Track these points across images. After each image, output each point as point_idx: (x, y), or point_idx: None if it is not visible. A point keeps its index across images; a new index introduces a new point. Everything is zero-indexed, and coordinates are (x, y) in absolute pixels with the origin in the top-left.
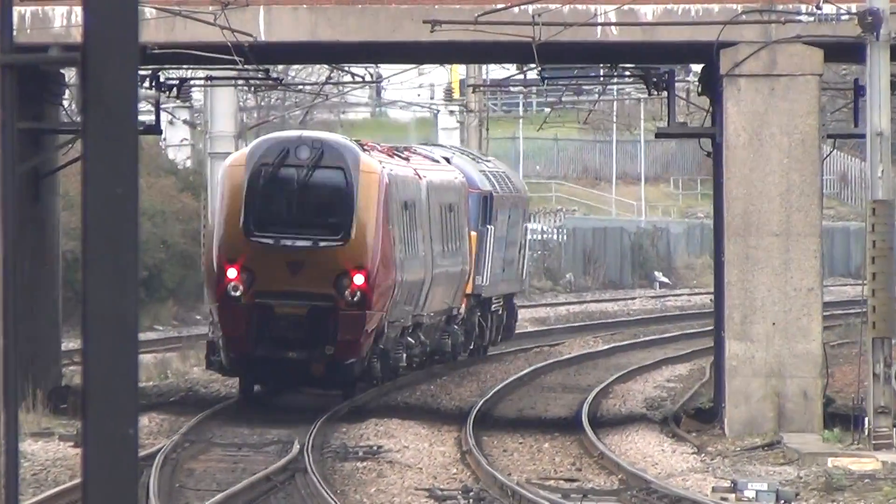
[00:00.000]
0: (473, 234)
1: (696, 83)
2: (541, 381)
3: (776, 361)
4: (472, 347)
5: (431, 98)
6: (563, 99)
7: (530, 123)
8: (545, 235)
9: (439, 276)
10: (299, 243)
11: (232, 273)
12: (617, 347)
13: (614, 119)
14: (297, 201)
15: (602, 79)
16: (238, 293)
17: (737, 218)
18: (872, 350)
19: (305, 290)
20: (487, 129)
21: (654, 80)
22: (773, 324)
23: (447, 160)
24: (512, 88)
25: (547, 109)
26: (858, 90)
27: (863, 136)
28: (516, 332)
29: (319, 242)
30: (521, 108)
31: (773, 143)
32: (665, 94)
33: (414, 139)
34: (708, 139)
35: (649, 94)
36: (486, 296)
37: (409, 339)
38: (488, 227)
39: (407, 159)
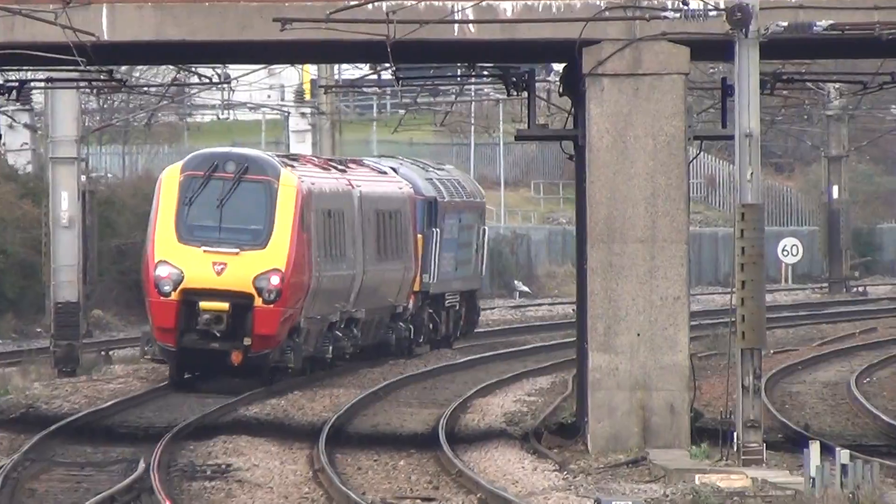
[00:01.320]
0: (420, 236)
1: (558, 83)
2: (396, 395)
3: (641, 373)
4: (422, 340)
5: (282, 100)
6: (419, 100)
7: (385, 126)
8: None
9: (374, 275)
10: (223, 248)
11: (163, 272)
12: (476, 360)
13: (472, 121)
14: (223, 210)
15: (459, 79)
16: (168, 290)
17: (600, 224)
18: (741, 361)
19: (228, 289)
20: (340, 132)
21: (514, 79)
22: (639, 334)
23: (394, 170)
24: (366, 89)
25: (402, 111)
26: (726, 90)
27: (731, 137)
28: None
29: (241, 247)
30: (374, 110)
31: (638, 145)
32: (525, 94)
33: (264, 142)
34: (570, 141)
35: (508, 95)
36: (434, 292)
37: (338, 332)
38: (434, 229)
39: (343, 171)
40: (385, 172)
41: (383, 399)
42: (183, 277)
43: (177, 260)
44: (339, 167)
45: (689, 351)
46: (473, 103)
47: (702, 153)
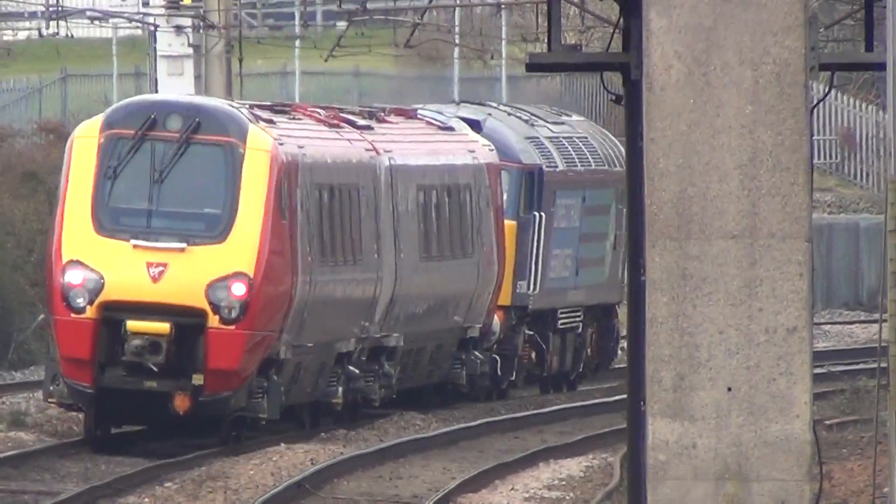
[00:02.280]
0: (509, 223)
1: None
2: (336, 488)
3: (734, 454)
4: (514, 377)
5: (146, 5)
6: (370, 5)
7: (313, 48)
8: None
9: (416, 283)
10: (162, 242)
11: (75, 278)
12: (464, 430)
13: (456, 39)
14: (163, 186)
15: None
16: (82, 304)
17: (666, 208)
18: None
19: (169, 303)
20: (241, 59)
21: None
22: (730, 389)
23: (477, 125)
24: None
25: (341, 24)
26: None
27: (882, 66)
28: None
29: (189, 241)
30: (297, 24)
31: (727, 79)
32: None
33: (116, 74)
34: (617, 74)
35: None
36: (537, 308)
37: (351, 368)
38: (536, 214)
39: (367, 128)
40: (451, 129)
41: (315, 496)
42: (103, 285)
43: (94, 260)
44: (362, 123)
45: (813, 416)
46: (458, 10)
47: (834, 93)
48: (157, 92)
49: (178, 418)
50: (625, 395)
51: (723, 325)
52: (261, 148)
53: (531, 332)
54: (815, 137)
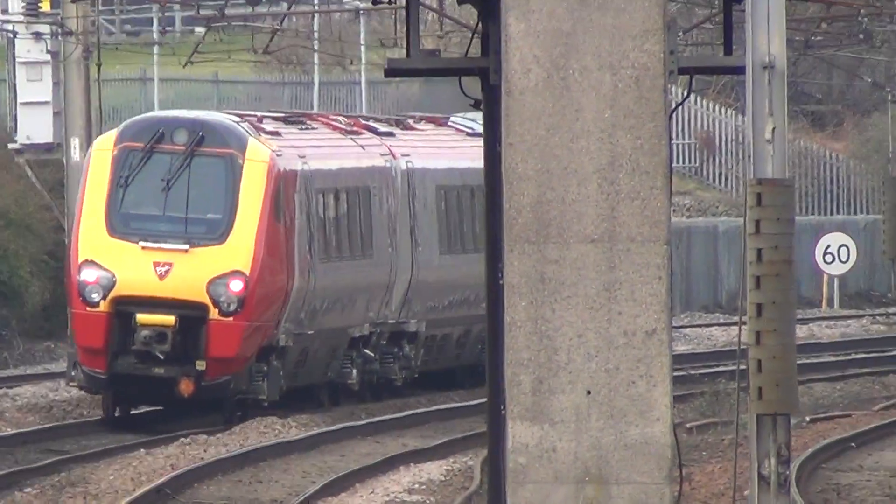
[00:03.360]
0: None
1: None
2: (197, 493)
3: (594, 456)
4: None
5: (4, 11)
6: (228, 11)
7: (172, 55)
8: None
9: (436, 273)
10: (169, 243)
11: (90, 275)
12: (324, 434)
13: (315, 45)
14: (170, 193)
15: None
16: (96, 299)
17: (525, 212)
18: (758, 436)
19: (174, 297)
20: (100, 65)
21: None
22: (589, 392)
23: None
24: None
25: (200, 30)
26: None
27: (741, 70)
28: None
29: (192, 242)
30: (155, 30)
31: (586, 83)
32: (403, 1)
33: None
34: (476, 79)
35: (375, 3)
36: None
37: (368, 352)
38: None
39: (388, 135)
40: (479, 135)
41: (172, 500)
42: (115, 282)
43: (107, 260)
44: (384, 130)
45: (673, 419)
46: (317, 17)
47: (693, 97)
48: (15, 97)
49: (184, 400)
50: (485, 399)
51: (582, 329)
52: (258, 159)
53: None
54: (675, 141)
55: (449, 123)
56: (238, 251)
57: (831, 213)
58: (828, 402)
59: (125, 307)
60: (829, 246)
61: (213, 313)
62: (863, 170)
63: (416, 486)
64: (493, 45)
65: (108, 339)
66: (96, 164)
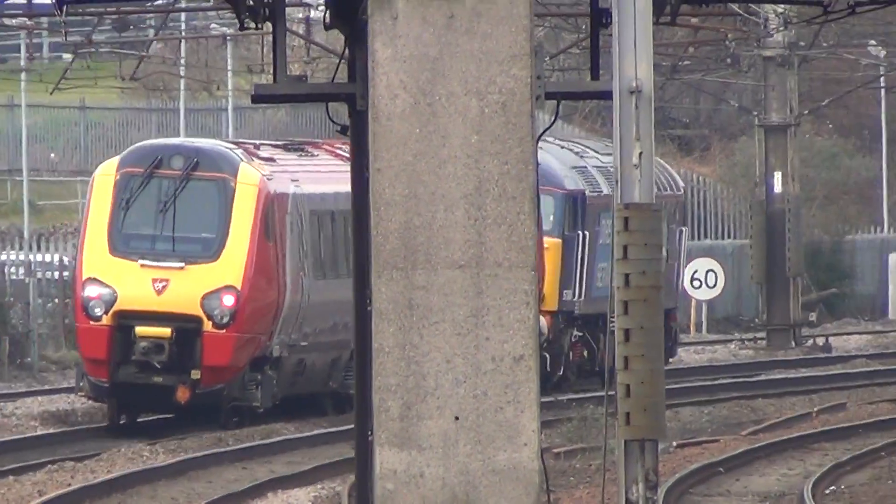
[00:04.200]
0: (555, 241)
1: (324, 8)
2: None
3: (462, 482)
4: (562, 372)
5: None
6: (96, 38)
7: (40, 81)
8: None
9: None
10: (165, 261)
11: (93, 291)
12: (192, 460)
13: (182, 71)
14: (167, 215)
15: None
16: (99, 313)
17: (393, 238)
18: (625, 461)
19: (170, 311)
20: None
21: (251, 3)
22: (457, 418)
23: None
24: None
25: (67, 57)
26: (600, 16)
27: (608, 95)
28: None
29: (187, 260)
30: (22, 56)
31: (453, 109)
32: (269, 26)
33: None
34: (344, 104)
35: (242, 28)
36: (584, 312)
37: None
38: (579, 232)
39: None
40: None
41: None
42: (116, 297)
43: (109, 277)
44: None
45: (541, 444)
46: (184, 43)
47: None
48: None
49: (181, 407)
50: (352, 426)
51: (450, 355)
52: (250, 182)
53: (580, 334)
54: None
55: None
56: (230, 268)
57: (699, 238)
58: (696, 427)
59: (126, 320)
60: (696, 271)
61: (207, 325)
62: (730, 194)
63: None
64: (359, 71)
65: (111, 351)
66: (99, 188)
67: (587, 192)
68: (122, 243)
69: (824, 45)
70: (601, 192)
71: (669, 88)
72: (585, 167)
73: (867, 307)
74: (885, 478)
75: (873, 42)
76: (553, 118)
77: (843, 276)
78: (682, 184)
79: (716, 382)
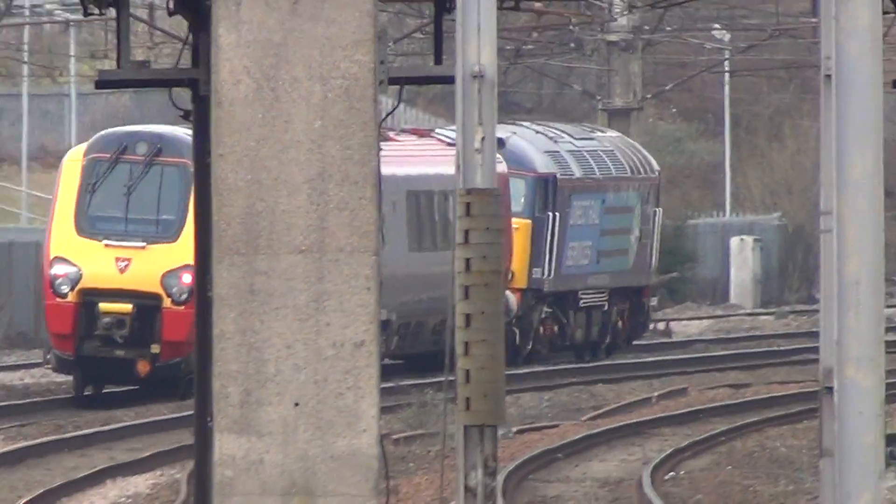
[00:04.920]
0: (525, 221)
1: None
2: None
3: (302, 468)
4: (531, 347)
5: None
6: None
7: None
8: None
9: (410, 270)
10: (128, 241)
11: (60, 270)
12: (30, 447)
13: (25, 57)
14: (131, 198)
15: None
16: (65, 290)
17: (235, 223)
18: (464, 447)
19: (131, 289)
20: None
21: None
22: (297, 404)
23: (499, 141)
24: None
25: None
26: (444, 0)
27: (451, 79)
28: None
29: (148, 240)
30: None
31: (296, 94)
32: (113, 12)
33: None
34: (187, 89)
35: (86, 14)
36: (553, 290)
37: None
38: (549, 213)
39: None
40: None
41: None
42: (81, 276)
43: (75, 256)
44: None
45: (380, 430)
46: (28, 28)
47: (403, 107)
48: None
49: (142, 380)
50: (192, 412)
51: (291, 340)
52: None
53: (550, 310)
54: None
55: (432, 135)
56: (189, 248)
57: None
58: (535, 413)
59: (90, 297)
60: None
61: (167, 302)
62: None
63: (123, 499)
64: (203, 57)
65: (76, 326)
66: (67, 172)
67: (558, 175)
68: (88, 224)
69: (668, 29)
70: (573, 175)
71: (513, 73)
72: (558, 151)
73: (709, 291)
74: (724, 463)
75: (717, 26)
76: (396, 103)
77: (685, 260)
78: (657, 167)
79: (555, 367)
